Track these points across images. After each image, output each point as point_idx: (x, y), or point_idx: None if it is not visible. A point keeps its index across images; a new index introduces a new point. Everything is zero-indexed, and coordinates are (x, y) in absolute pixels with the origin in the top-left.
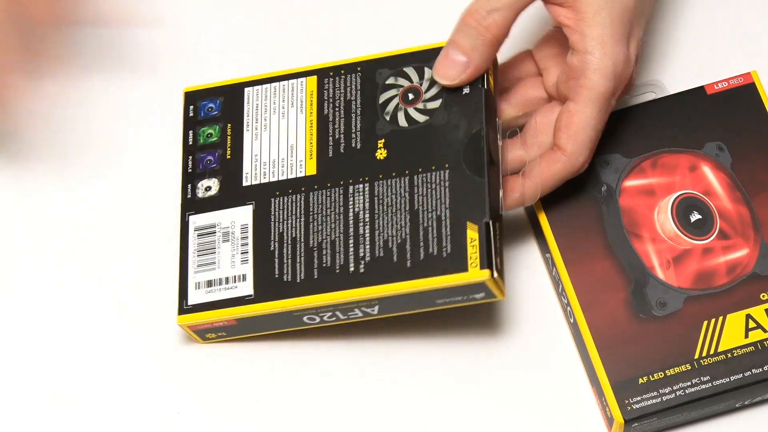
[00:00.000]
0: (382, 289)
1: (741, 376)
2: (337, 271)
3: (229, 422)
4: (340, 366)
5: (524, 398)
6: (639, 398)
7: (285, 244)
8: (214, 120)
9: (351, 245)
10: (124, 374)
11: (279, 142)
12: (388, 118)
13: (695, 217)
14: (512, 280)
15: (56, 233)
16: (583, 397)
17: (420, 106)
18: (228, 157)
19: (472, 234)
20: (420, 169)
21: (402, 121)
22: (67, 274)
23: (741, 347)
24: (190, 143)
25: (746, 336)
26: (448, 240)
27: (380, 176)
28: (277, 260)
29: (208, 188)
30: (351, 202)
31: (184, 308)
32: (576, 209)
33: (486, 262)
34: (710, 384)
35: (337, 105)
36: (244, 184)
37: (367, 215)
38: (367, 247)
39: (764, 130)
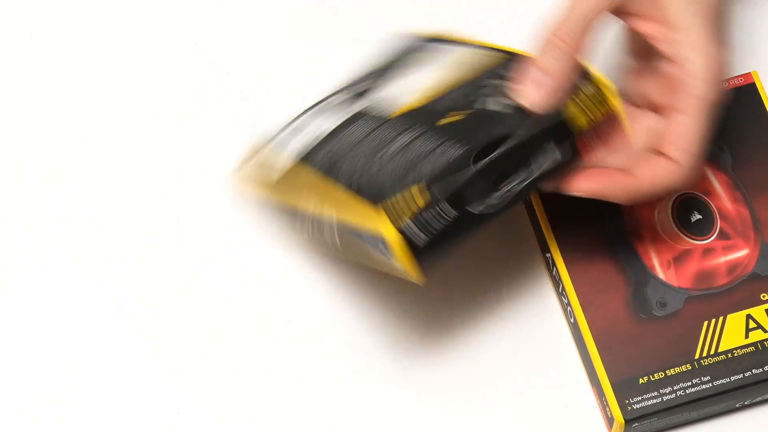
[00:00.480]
0: (333, 197)
1: (741, 376)
2: (341, 180)
3: (229, 422)
4: (341, 366)
5: (524, 398)
6: (639, 398)
7: (332, 151)
8: (398, 55)
9: (362, 171)
10: (124, 374)
11: (406, 89)
12: (479, 98)
13: (695, 217)
14: (512, 279)
15: (56, 232)
16: (584, 397)
17: (507, 100)
18: (372, 87)
19: (417, 194)
20: (452, 142)
21: (484, 104)
22: (67, 273)
23: (741, 347)
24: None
25: (746, 336)
26: (402, 191)
27: (424, 134)
28: (319, 152)
29: (333, 101)
30: (391, 142)
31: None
32: (576, 209)
33: (401, 224)
34: (710, 384)
35: (467, 78)
36: (357, 108)
37: (388, 153)
38: (366, 175)
39: (764, 130)
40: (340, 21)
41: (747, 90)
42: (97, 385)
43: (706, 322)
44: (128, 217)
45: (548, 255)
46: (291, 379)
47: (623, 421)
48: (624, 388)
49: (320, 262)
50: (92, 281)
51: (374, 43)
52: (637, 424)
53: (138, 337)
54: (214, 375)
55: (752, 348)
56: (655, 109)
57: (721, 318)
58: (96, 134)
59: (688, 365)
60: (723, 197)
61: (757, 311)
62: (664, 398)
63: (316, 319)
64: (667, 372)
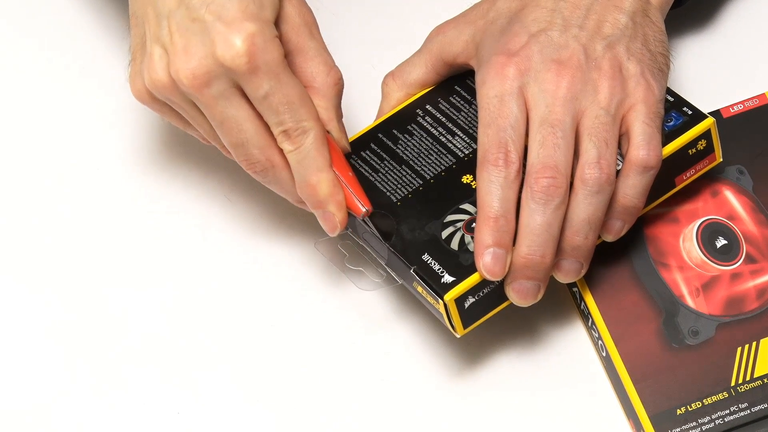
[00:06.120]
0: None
1: None
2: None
3: (229, 422)
4: (342, 366)
5: None
6: (678, 429)
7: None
8: None
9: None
10: (125, 374)
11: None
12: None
13: (721, 242)
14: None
15: (55, 231)
16: (621, 431)
17: None
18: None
19: None
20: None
21: None
22: (67, 273)
23: None
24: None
25: None
26: None
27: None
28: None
29: None
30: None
31: None
32: (601, 241)
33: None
34: (749, 411)
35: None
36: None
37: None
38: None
39: None
40: (341, 21)
41: (763, 111)
42: (98, 385)
43: (739, 348)
44: (128, 216)
45: (575, 289)
46: (291, 379)
47: None
48: (662, 420)
49: (321, 264)
50: (93, 280)
51: (374, 43)
52: None
53: (138, 337)
54: (214, 375)
55: None
56: None
57: (754, 343)
58: (93, 137)
59: (724, 393)
60: (747, 221)
61: None
62: (704, 428)
63: (318, 320)
64: (704, 401)
